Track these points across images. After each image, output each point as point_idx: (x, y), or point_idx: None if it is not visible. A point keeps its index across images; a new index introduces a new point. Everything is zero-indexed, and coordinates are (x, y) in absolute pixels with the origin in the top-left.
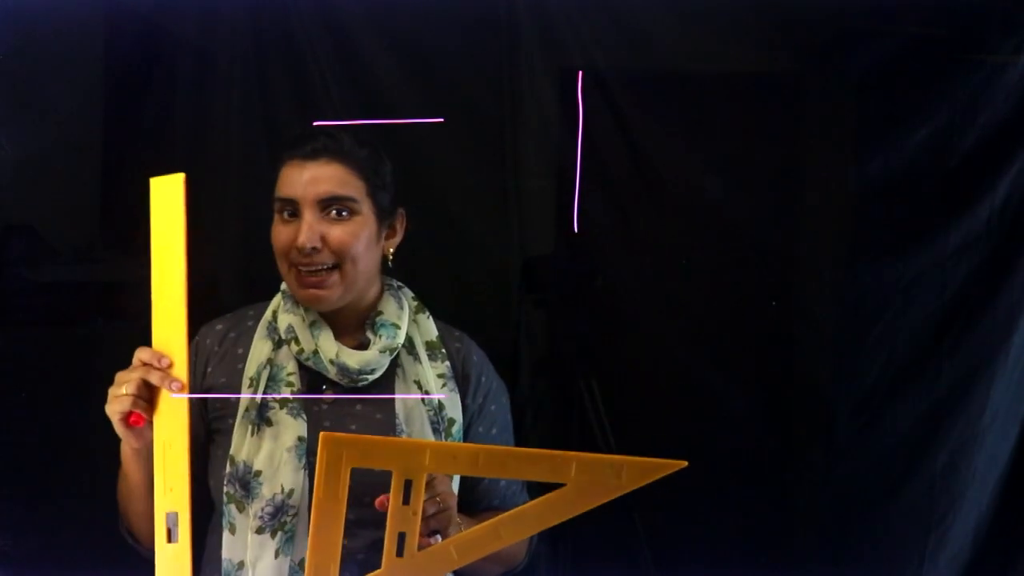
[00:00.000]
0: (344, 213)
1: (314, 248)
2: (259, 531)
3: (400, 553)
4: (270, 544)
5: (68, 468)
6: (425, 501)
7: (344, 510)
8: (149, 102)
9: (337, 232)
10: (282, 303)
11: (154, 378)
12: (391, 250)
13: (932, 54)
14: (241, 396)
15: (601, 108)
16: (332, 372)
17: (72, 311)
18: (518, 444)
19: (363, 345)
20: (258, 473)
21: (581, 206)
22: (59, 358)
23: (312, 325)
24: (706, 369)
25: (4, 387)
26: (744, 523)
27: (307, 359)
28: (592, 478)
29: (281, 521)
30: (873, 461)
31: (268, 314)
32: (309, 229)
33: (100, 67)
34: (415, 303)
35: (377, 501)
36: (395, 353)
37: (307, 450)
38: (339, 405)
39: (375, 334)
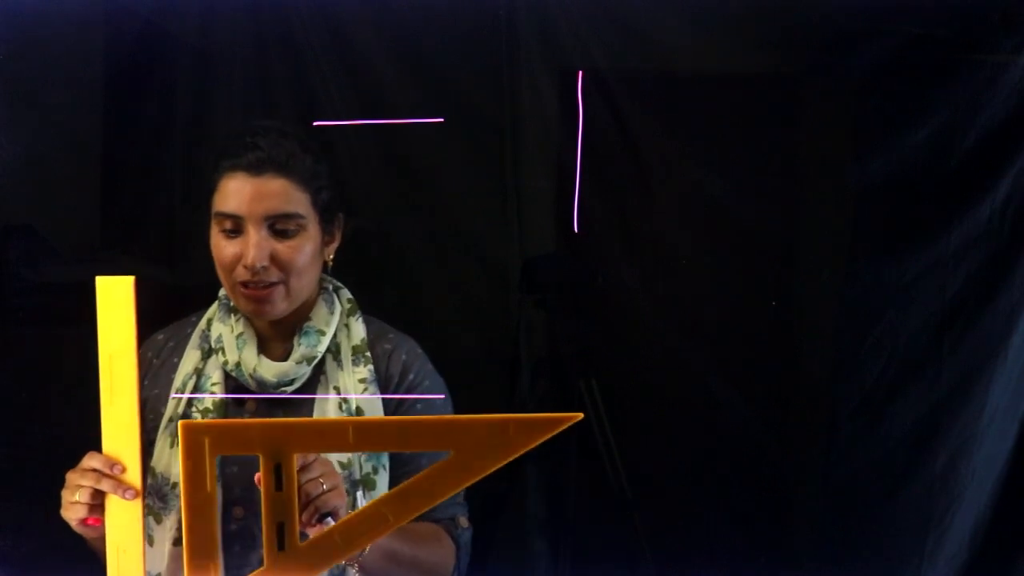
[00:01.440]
0: (290, 230)
1: (263, 267)
2: (176, 543)
3: (282, 546)
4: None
5: (68, 468)
6: (308, 482)
7: (216, 501)
8: (149, 102)
9: (284, 249)
10: (217, 312)
11: (106, 486)
12: (331, 256)
13: (932, 54)
14: (248, 397)
15: (601, 108)
16: (252, 385)
17: (72, 311)
18: None
19: (290, 353)
20: (175, 485)
21: (581, 206)
22: (59, 358)
23: (239, 337)
24: (706, 369)
25: (4, 387)
26: (744, 523)
27: (232, 370)
28: (478, 442)
29: None
30: (873, 461)
31: (202, 323)
32: (258, 248)
33: (100, 67)
34: (349, 305)
35: (255, 477)
36: (315, 362)
37: (222, 460)
38: (259, 414)
39: (298, 343)
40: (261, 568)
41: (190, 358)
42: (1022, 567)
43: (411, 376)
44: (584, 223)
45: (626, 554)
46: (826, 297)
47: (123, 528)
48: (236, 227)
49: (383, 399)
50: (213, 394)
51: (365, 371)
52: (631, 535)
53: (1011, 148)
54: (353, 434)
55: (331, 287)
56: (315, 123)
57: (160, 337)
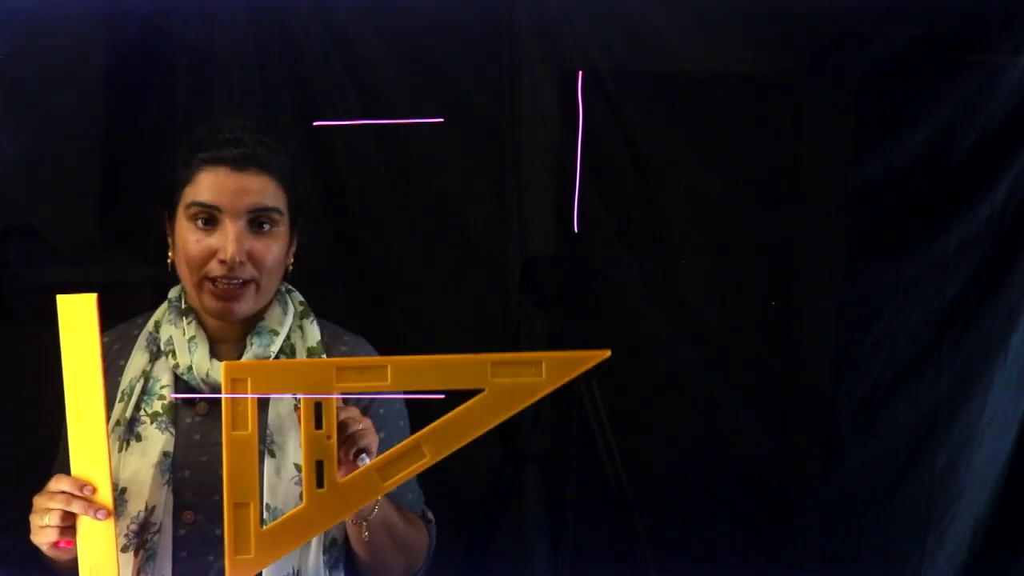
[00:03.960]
0: (266, 226)
1: (240, 262)
2: (124, 549)
3: (320, 484)
4: (133, 563)
5: (68, 468)
6: (346, 419)
7: (256, 442)
8: (149, 102)
9: (260, 246)
10: (166, 313)
11: (76, 508)
12: (291, 260)
13: (932, 54)
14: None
15: (601, 108)
16: (204, 389)
17: None
18: (517, 446)
19: (242, 354)
20: (124, 490)
21: (581, 206)
22: (59, 358)
23: (191, 340)
24: (706, 369)
25: (4, 387)
26: (744, 523)
27: (183, 373)
28: (510, 379)
29: (143, 539)
30: (873, 461)
31: (150, 324)
32: (237, 242)
33: (100, 67)
34: (301, 307)
35: (297, 411)
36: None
37: (172, 465)
38: (211, 417)
39: (250, 342)
40: (300, 506)
41: (137, 360)
42: (1022, 567)
43: None
44: (584, 223)
45: (626, 554)
46: (826, 297)
47: (95, 549)
48: (211, 219)
49: None
50: (164, 400)
51: None
52: (631, 535)
53: (1011, 148)
54: (392, 373)
55: (283, 288)
56: (315, 123)
57: (105, 340)
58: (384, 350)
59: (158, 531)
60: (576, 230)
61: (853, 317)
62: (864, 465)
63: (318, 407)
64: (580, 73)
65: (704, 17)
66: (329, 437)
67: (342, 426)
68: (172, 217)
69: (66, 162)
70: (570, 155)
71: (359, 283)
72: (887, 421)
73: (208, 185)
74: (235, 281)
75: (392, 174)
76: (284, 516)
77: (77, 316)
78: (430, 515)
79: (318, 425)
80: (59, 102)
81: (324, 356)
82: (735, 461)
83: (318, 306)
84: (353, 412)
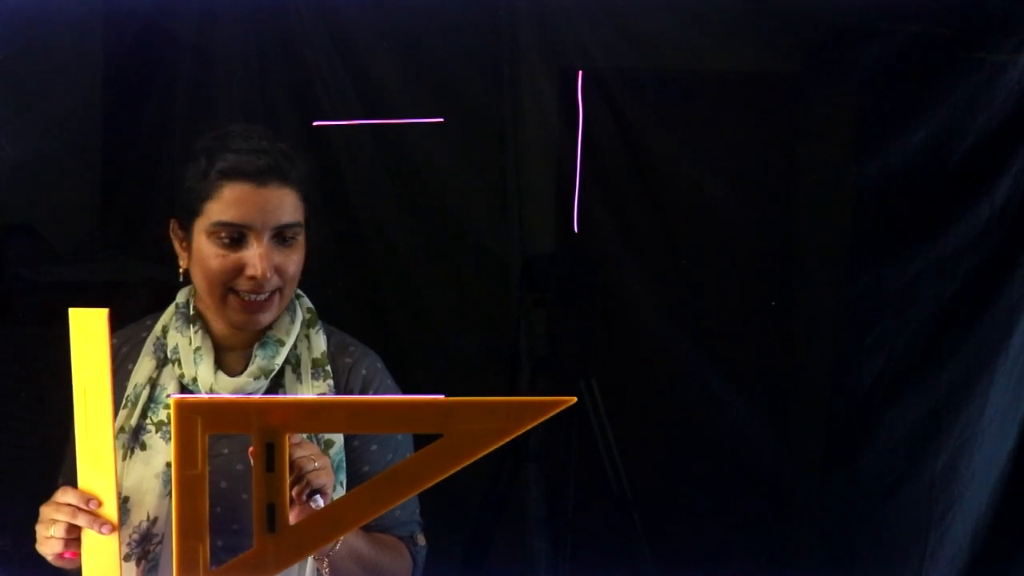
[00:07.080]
0: (289, 240)
1: (269, 277)
2: (126, 558)
3: (272, 528)
4: (135, 572)
5: (68, 467)
6: (300, 458)
7: (207, 482)
8: (149, 102)
9: (285, 260)
10: (174, 320)
11: (82, 521)
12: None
13: (932, 54)
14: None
15: (601, 108)
16: None
17: None
18: (517, 446)
19: (248, 365)
20: (127, 499)
21: (581, 206)
22: (59, 358)
23: (196, 351)
24: (706, 369)
25: (4, 387)
26: (744, 523)
27: (188, 384)
28: (471, 425)
29: (145, 549)
30: (873, 461)
31: (157, 329)
32: (267, 259)
33: (100, 67)
34: (309, 315)
35: (249, 451)
36: (272, 375)
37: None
38: None
39: (255, 354)
40: (250, 550)
41: (144, 366)
42: (1023, 567)
43: (371, 392)
44: (584, 223)
45: (626, 554)
46: (826, 297)
47: (99, 561)
48: (238, 237)
49: None
50: (169, 409)
51: (324, 386)
52: (631, 535)
53: (1010, 148)
54: (347, 415)
55: (293, 294)
56: (315, 123)
57: (114, 342)
58: (384, 350)
59: (160, 542)
60: (576, 230)
61: (853, 317)
62: (864, 465)
63: (271, 448)
64: (580, 73)
65: (704, 16)
66: (281, 480)
67: (296, 466)
68: (187, 227)
69: (66, 162)
70: (570, 155)
71: (359, 283)
72: (887, 421)
73: (233, 202)
74: (263, 295)
75: (392, 174)
76: (234, 560)
77: (88, 330)
78: (420, 539)
79: (270, 467)
80: (59, 102)
81: (327, 368)
82: (735, 461)
83: (318, 307)
84: (309, 450)
